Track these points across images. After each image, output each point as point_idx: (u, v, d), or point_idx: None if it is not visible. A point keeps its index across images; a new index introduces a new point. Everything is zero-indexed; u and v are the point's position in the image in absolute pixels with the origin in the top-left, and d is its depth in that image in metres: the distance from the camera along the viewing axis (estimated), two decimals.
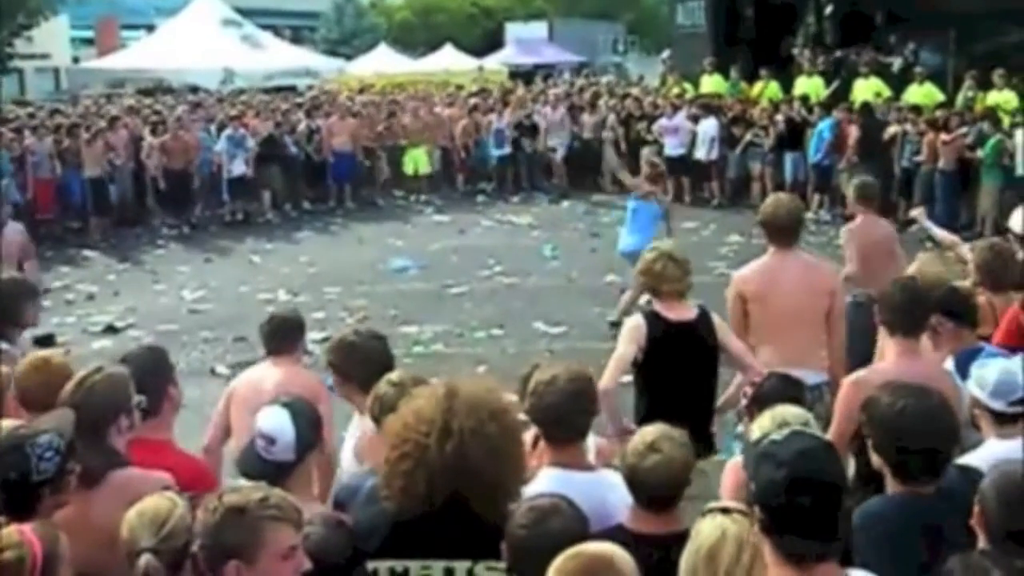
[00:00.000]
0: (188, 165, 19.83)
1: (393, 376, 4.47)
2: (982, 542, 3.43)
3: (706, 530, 3.21)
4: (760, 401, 4.63)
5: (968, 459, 4.15)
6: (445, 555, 3.42)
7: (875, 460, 3.86)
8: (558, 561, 2.91)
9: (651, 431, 3.96)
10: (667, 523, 3.80)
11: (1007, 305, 6.12)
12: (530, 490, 3.75)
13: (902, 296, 5.29)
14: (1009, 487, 3.37)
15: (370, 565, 3.46)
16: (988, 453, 4.22)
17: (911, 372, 4.68)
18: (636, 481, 3.86)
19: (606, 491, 4.07)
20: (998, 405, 4.37)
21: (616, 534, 3.56)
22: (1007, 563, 2.84)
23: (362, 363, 4.91)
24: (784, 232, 6.57)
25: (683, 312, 5.91)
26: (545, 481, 3.98)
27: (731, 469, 4.55)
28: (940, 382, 4.68)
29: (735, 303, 6.60)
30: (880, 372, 5.07)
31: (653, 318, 5.90)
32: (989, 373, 4.43)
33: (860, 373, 5.20)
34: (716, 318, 6.02)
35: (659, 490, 3.83)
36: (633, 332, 5.82)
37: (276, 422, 3.97)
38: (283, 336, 5.95)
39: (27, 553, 3.10)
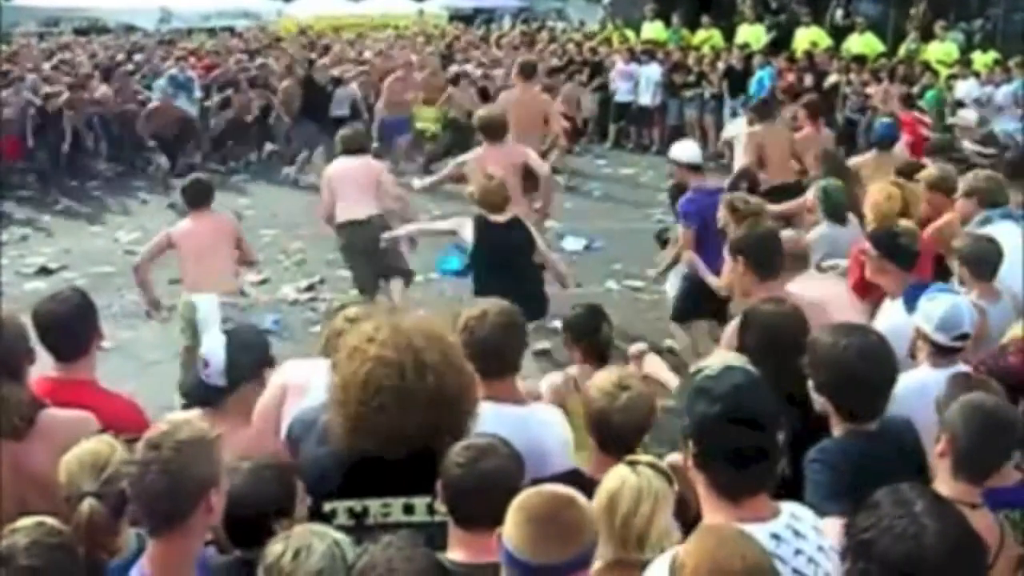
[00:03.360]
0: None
1: (350, 312, 4.49)
2: (943, 472, 3.55)
3: (608, 480, 3.30)
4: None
5: None
6: (403, 491, 3.41)
7: (818, 400, 3.85)
8: (520, 498, 2.92)
9: (610, 374, 4.02)
10: None
11: None
12: None
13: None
14: (979, 417, 3.53)
15: (327, 506, 3.44)
16: (911, 379, 4.44)
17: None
18: (607, 422, 3.87)
19: (539, 427, 4.10)
20: (941, 338, 4.58)
21: (576, 479, 3.54)
22: (932, 492, 2.89)
23: None
24: None
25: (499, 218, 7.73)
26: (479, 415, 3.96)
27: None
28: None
29: None
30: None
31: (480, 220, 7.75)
32: (937, 307, 4.62)
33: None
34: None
35: (629, 429, 3.87)
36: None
37: (212, 347, 4.05)
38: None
39: None
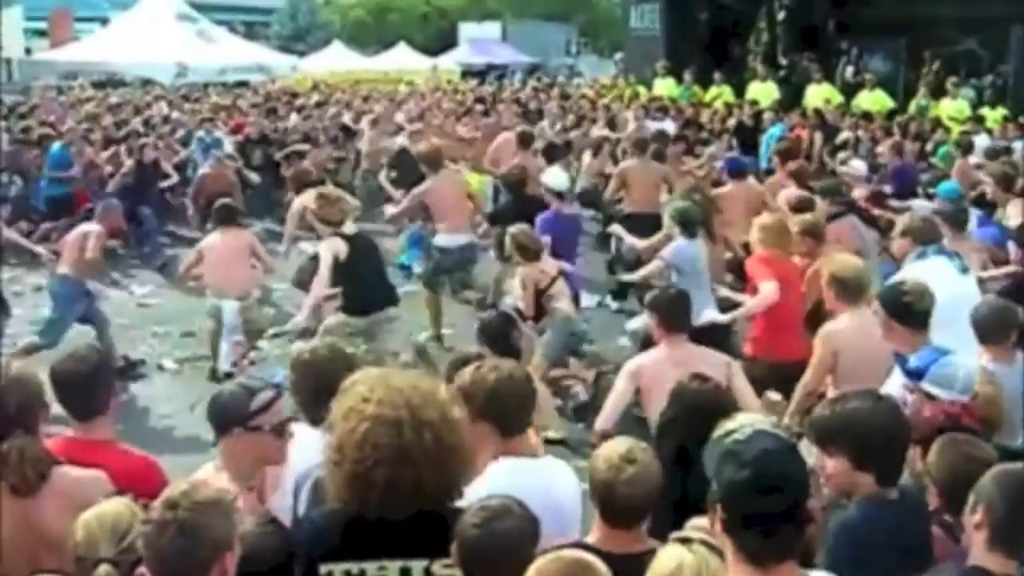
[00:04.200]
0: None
1: None
2: (979, 544, 3.45)
3: (663, 562, 3.20)
4: None
5: None
6: (400, 554, 3.36)
7: (846, 469, 3.81)
8: (539, 563, 2.89)
9: (617, 444, 3.94)
10: (636, 540, 3.78)
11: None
12: (486, 480, 3.80)
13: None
14: (1017, 487, 3.43)
15: (323, 568, 3.37)
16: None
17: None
18: (612, 496, 3.80)
19: (556, 480, 4.19)
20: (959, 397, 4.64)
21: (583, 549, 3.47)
22: None
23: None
24: None
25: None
26: (501, 470, 4.02)
27: None
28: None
29: None
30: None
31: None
32: (955, 372, 4.71)
33: None
34: None
35: (636, 503, 3.79)
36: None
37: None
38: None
39: None
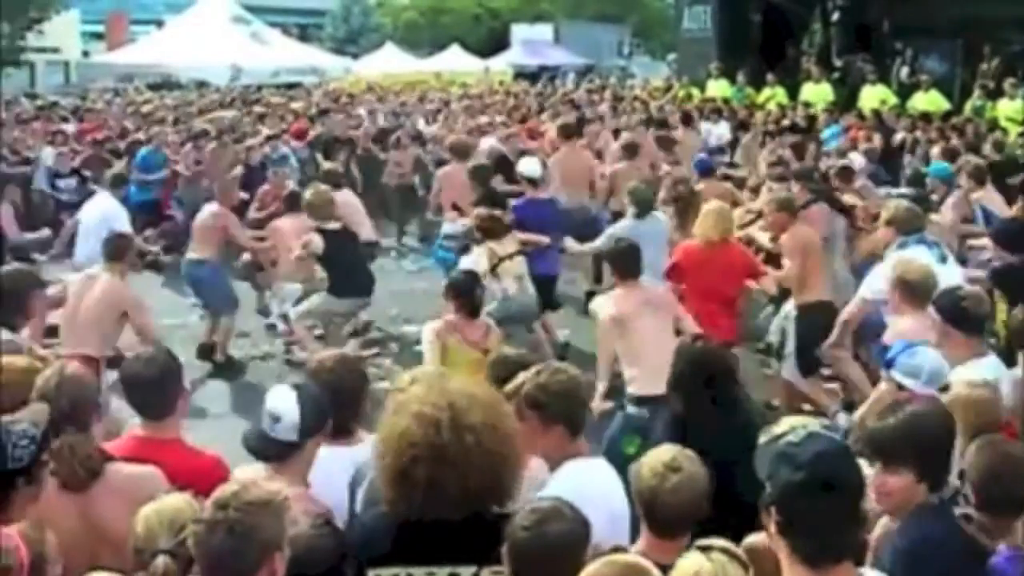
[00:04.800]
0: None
1: (407, 376, 4.60)
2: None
3: (682, 568, 3.22)
4: None
5: None
6: (449, 560, 3.35)
7: (910, 483, 3.75)
8: (592, 567, 2.90)
9: (662, 451, 3.92)
10: (684, 550, 3.65)
11: None
12: (558, 482, 3.90)
13: None
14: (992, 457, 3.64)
15: (371, 572, 3.38)
16: None
17: None
18: (657, 504, 3.77)
19: (612, 479, 4.24)
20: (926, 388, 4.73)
21: None
22: None
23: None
24: None
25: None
26: (572, 472, 4.08)
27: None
28: None
29: None
30: None
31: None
32: (922, 363, 4.86)
33: None
34: None
35: (682, 512, 3.77)
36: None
37: (284, 401, 4.03)
38: None
39: (13, 561, 3.09)
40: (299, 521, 3.39)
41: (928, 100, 21.06)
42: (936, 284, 6.39)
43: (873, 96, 21.86)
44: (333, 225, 10.34)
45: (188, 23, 36.47)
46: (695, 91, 25.33)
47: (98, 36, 47.23)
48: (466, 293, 7.42)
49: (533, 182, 11.44)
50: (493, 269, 9.66)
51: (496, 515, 3.36)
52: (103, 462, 4.02)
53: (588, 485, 3.70)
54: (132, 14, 47.20)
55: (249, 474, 3.93)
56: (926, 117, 19.17)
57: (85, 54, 44.82)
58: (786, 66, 26.00)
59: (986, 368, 5.41)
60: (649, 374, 6.57)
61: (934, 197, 11.02)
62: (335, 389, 4.44)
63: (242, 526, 2.96)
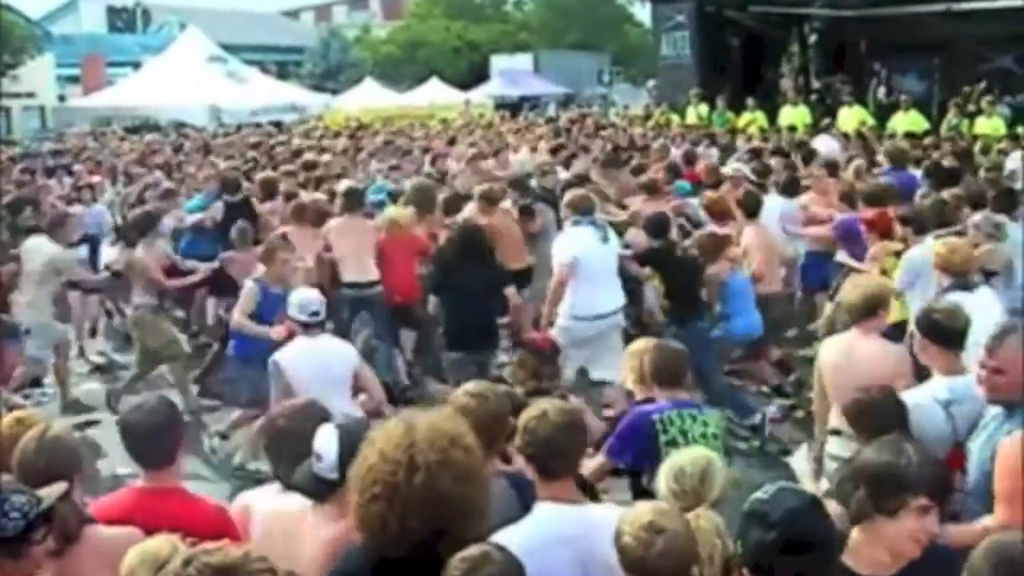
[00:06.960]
0: None
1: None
2: None
3: None
4: None
5: None
6: None
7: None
8: None
9: (638, 513, 3.63)
10: None
11: None
12: (524, 524, 3.85)
13: None
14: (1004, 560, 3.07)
15: None
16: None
17: None
18: (646, 571, 3.50)
19: (600, 526, 3.92)
20: None
21: None
22: None
23: None
24: None
25: None
26: (540, 515, 3.99)
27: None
28: None
29: None
30: None
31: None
32: None
33: None
34: None
35: (677, 571, 3.51)
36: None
37: (325, 440, 4.06)
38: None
39: None
40: None
41: (908, 121, 21.10)
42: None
43: (852, 117, 21.96)
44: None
45: (165, 64, 36.44)
46: (675, 117, 25.38)
47: (74, 80, 47.20)
48: None
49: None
50: None
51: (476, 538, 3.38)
52: (80, 526, 3.97)
53: (547, 533, 3.63)
54: (108, 56, 47.19)
55: (295, 504, 4.18)
56: (911, 136, 19.19)
57: (61, 98, 44.82)
58: (765, 89, 26.12)
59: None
60: None
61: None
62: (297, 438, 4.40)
63: None
